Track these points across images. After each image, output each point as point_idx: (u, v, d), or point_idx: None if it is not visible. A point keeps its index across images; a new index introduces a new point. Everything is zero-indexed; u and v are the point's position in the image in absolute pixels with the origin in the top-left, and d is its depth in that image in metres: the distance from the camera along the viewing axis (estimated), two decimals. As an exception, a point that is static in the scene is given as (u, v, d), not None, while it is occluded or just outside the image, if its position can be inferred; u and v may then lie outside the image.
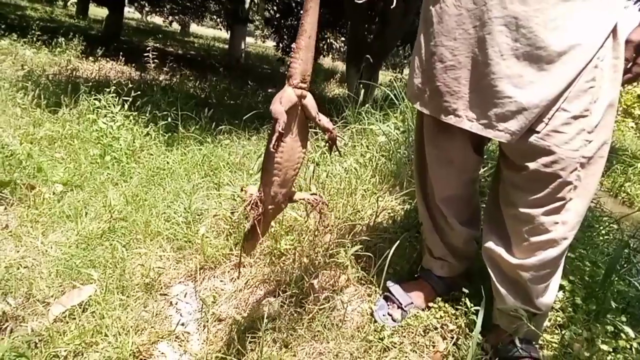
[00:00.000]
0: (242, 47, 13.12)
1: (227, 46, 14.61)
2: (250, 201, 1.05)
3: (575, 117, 1.09)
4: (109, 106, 3.34)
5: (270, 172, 1.07)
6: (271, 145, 0.99)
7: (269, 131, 1.06)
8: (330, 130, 1.10)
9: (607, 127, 1.14)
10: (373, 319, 1.50)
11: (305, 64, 1.03)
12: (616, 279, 1.65)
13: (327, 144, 1.13)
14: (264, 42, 28.98)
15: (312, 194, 1.18)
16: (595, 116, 1.10)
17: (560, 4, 1.04)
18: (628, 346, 1.27)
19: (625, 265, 1.82)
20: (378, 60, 6.28)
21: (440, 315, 1.50)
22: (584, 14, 1.05)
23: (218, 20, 22.76)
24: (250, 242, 1.23)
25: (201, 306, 1.60)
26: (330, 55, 18.18)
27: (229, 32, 14.21)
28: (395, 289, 1.55)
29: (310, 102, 1.06)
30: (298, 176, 1.18)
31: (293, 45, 1.04)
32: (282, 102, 1.01)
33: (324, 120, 1.09)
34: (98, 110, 3.29)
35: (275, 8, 11.56)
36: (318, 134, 3.00)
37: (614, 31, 1.10)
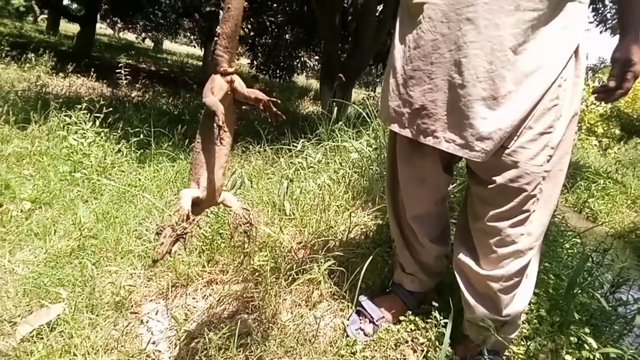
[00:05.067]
0: (216, 64, 13.10)
1: (201, 63, 14.60)
2: (181, 215, 0.97)
3: (541, 134, 1.15)
4: (80, 123, 3.29)
5: (204, 165, 1.05)
6: (217, 141, 0.98)
7: (200, 127, 1.04)
8: (262, 98, 1.08)
9: (567, 142, 1.21)
10: (345, 334, 1.51)
11: (232, 50, 1.03)
12: (579, 291, 1.70)
13: (267, 113, 1.11)
14: (238, 59, 28.97)
15: (243, 208, 1.13)
16: (558, 132, 1.17)
17: (529, 29, 1.10)
18: (591, 357, 1.31)
19: (587, 278, 1.88)
20: (351, 79, 6.38)
21: (411, 329, 1.52)
22: (550, 37, 1.12)
23: (192, 37, 22.70)
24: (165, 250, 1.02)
25: (173, 324, 1.59)
26: (304, 74, 18.35)
27: (202, 49, 14.21)
28: (367, 303, 1.57)
29: (239, 83, 1.06)
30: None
31: (217, 30, 1.02)
32: (214, 92, 1.00)
33: (255, 93, 1.08)
34: (68, 127, 3.24)
35: (249, 26, 11.62)
36: (292, 151, 3.03)
37: (576, 51, 1.17)
